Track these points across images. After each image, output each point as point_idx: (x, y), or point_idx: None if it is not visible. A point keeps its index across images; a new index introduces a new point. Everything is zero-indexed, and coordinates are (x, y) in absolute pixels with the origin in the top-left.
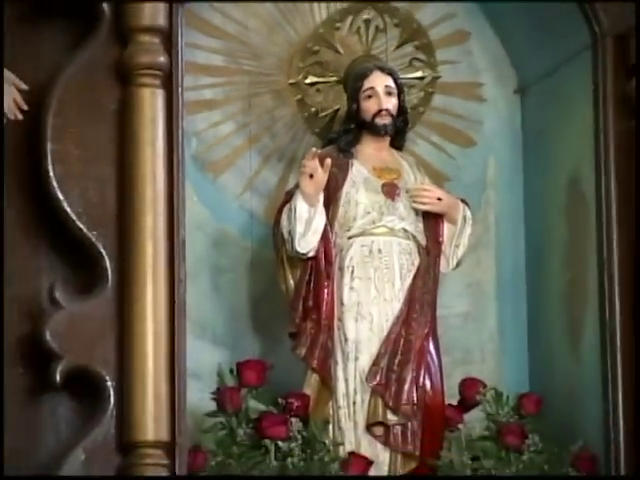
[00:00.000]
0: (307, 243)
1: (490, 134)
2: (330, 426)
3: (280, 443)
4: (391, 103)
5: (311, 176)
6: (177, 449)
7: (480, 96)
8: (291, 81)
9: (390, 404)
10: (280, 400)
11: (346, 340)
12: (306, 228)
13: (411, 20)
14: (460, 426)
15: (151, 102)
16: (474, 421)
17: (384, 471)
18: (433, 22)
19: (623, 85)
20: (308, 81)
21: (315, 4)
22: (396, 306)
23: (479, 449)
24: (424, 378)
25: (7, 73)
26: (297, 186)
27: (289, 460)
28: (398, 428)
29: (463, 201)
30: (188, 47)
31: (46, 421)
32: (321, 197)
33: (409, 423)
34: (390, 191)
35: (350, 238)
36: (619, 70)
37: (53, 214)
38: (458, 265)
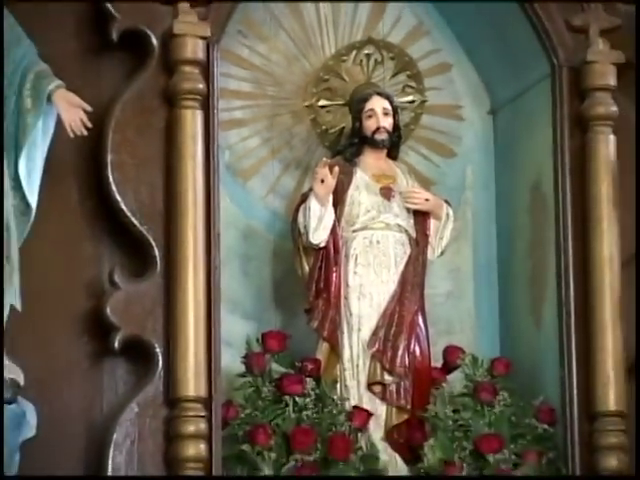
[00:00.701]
0: (319, 236)
1: (468, 147)
2: (337, 385)
3: (297, 398)
4: (387, 122)
5: (322, 181)
6: (213, 403)
7: (460, 116)
8: (306, 104)
9: (386, 367)
10: (297, 363)
11: (351, 315)
12: (318, 224)
13: (404, 54)
14: (444, 385)
15: (192, 121)
16: (455, 381)
17: (382, 421)
18: (421, 55)
19: (576, 107)
20: (320, 104)
21: (326, 42)
22: (391, 287)
23: (459, 403)
24: (414, 346)
25: (75, 97)
26: (311, 189)
27: (304, 412)
28: (393, 386)
29: (446, 201)
30: (222, 76)
31: (107, 381)
32: (330, 198)
33: (402, 382)
34: (387, 193)
35: (354, 232)
36: (573, 95)
37: (112, 212)
38: (442, 253)
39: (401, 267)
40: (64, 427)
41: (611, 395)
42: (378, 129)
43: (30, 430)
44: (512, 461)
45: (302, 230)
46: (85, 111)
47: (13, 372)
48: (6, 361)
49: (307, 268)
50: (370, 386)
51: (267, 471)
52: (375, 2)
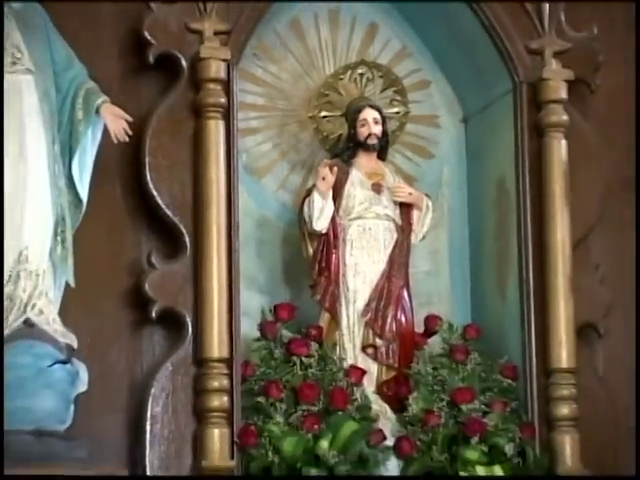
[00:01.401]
0: (321, 224)
1: (444, 150)
2: (337, 347)
3: (303, 359)
4: (377, 129)
5: (323, 178)
6: (234, 363)
7: (437, 124)
8: (310, 115)
9: (377, 332)
10: (303, 330)
11: (347, 289)
12: (320, 214)
13: (390, 73)
14: (425, 347)
15: (215, 130)
16: (434, 344)
17: (374, 377)
18: (405, 74)
19: (534, 117)
20: (321, 115)
21: (326, 63)
22: (381, 266)
23: (437, 362)
24: (400, 315)
25: (118, 110)
26: (314, 185)
27: (309, 370)
28: (383, 348)
29: (426, 195)
30: (240, 92)
31: (145, 345)
32: (330, 193)
33: (390, 345)
34: (377, 188)
35: (350, 220)
36: (531, 107)
37: (149, 206)
38: (423, 238)
39: (389, 250)
40: (110, 383)
41: (563, 354)
42: (370, 135)
43: (82, 386)
44: (482, 410)
45: (307, 219)
46: (127, 121)
47: (68, 338)
48: (62, 328)
49: (311, 251)
50: (364, 348)
51: (279, 419)
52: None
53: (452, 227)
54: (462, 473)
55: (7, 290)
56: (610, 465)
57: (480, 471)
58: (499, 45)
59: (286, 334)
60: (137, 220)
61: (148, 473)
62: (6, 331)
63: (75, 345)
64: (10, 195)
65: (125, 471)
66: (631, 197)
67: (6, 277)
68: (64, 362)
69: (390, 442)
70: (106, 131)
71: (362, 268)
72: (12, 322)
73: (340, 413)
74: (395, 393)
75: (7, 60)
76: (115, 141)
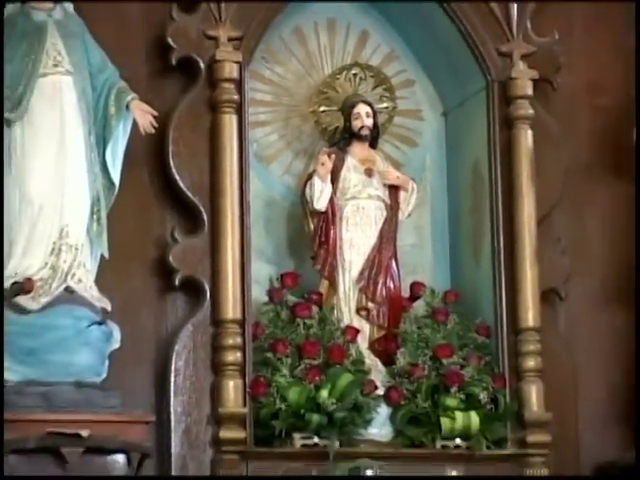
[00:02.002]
0: (321, 204)
1: (427, 140)
2: (334, 310)
3: (306, 320)
4: (369, 122)
5: (323, 164)
6: (246, 324)
7: (421, 117)
8: (311, 109)
9: (370, 297)
10: (305, 295)
11: (344, 260)
12: (320, 195)
13: (380, 73)
14: (410, 310)
15: (229, 123)
16: (418, 307)
17: (366, 336)
18: (393, 74)
19: (504, 111)
20: (321, 109)
21: (325, 65)
22: (373, 240)
23: (421, 323)
24: (389, 282)
25: (146, 105)
26: (314, 170)
27: (311, 330)
28: (374, 311)
29: (412, 178)
30: (250, 90)
31: (170, 308)
32: (329, 177)
33: (381, 308)
34: (369, 172)
35: (346, 200)
36: (502, 102)
37: (173, 188)
38: (409, 215)
39: (379, 226)
40: (140, 341)
41: (530, 315)
42: (362, 127)
43: (116, 343)
44: (460, 363)
45: (308, 199)
46: (153, 116)
47: (103, 302)
48: (98, 294)
49: (312, 227)
50: (358, 311)
51: (285, 371)
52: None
53: (434, 206)
54: (443, 418)
55: (50, 261)
56: (569, 409)
57: (458, 416)
58: (473, 49)
59: (291, 299)
60: (162, 201)
61: (172, 419)
62: (49, 297)
63: (109, 308)
64: (52, 180)
65: (153, 417)
66: (587, 180)
67: (49, 250)
68: (100, 323)
69: (381, 391)
70: (135, 124)
71: (356, 242)
72: (54, 289)
73: (338, 366)
74: (385, 349)
75: (49, 63)
76: (143, 133)
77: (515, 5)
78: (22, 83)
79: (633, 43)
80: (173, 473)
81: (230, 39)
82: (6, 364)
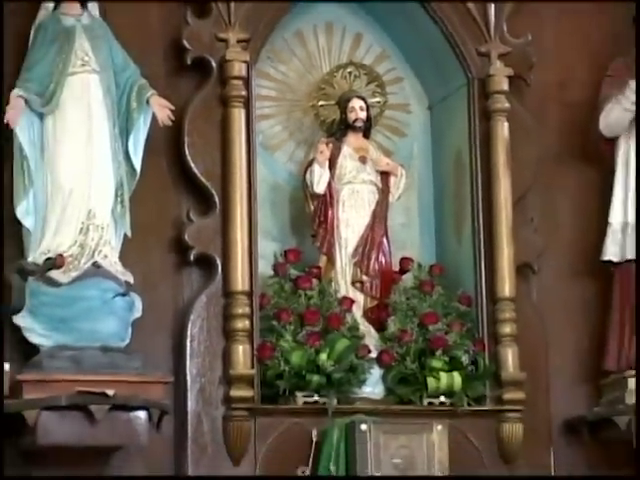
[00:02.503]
0: (320, 187)
1: (414, 131)
2: (332, 283)
3: (307, 292)
4: (363, 115)
5: (321, 153)
6: (253, 295)
7: (409, 110)
8: (311, 104)
9: (364, 271)
10: (306, 269)
11: (340, 238)
12: (319, 180)
13: (373, 71)
14: (400, 282)
15: (238, 116)
16: (407, 279)
17: (361, 305)
18: (384, 72)
19: (483, 104)
20: (320, 104)
21: (323, 64)
22: (366, 220)
23: (410, 293)
24: (381, 257)
25: (164, 100)
26: (314, 158)
27: (311, 300)
28: (368, 283)
29: (401, 165)
30: (257, 86)
31: (185, 281)
32: (327, 164)
33: (373, 281)
34: (363, 160)
35: (342, 185)
36: (481, 97)
37: (188, 174)
38: (399, 198)
39: (372, 207)
40: (159, 311)
41: (506, 287)
42: (357, 119)
43: (137, 312)
44: (444, 329)
45: (309, 184)
46: (170, 110)
47: (126, 276)
48: (122, 268)
49: (312, 208)
50: (353, 283)
51: (288, 337)
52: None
53: (420, 190)
54: (429, 379)
55: (79, 240)
56: (541, 370)
57: (443, 376)
58: (455, 49)
59: (293, 272)
60: (178, 185)
61: (188, 379)
62: (78, 272)
63: (132, 281)
64: (81, 167)
65: (171, 378)
66: (557, 166)
67: (78, 230)
68: (123, 294)
69: (374, 354)
70: (154, 117)
71: (352, 221)
72: (83, 264)
73: (335, 332)
74: (377, 317)
75: (78, 62)
76: (161, 125)
77: (493, 10)
78: (53, 81)
79: (598, 45)
80: (189, 428)
81: (239, 41)
82: (40, 331)
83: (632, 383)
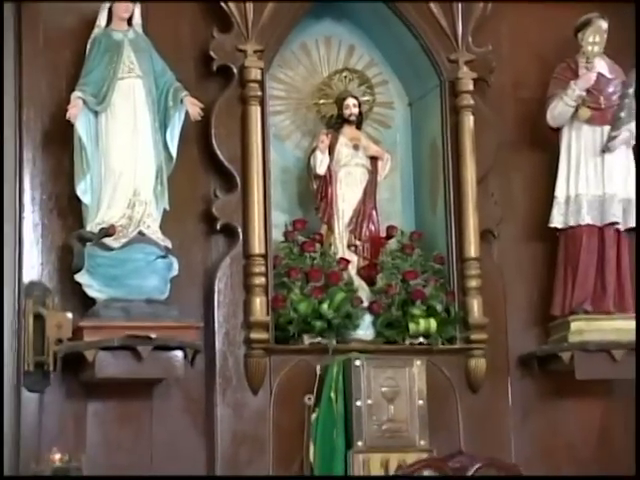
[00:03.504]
0: (321, 170)
1: (397, 123)
2: (332, 246)
3: (311, 254)
4: (356, 110)
5: (322, 142)
6: (268, 257)
7: (393, 107)
8: (314, 102)
9: (357, 237)
10: (311, 236)
11: (338, 210)
12: (320, 163)
13: (364, 75)
14: (386, 246)
15: (255, 112)
16: (392, 243)
17: (355, 265)
18: (372, 76)
19: (453, 102)
20: (321, 102)
21: (323, 69)
22: (359, 196)
23: (394, 255)
24: (371, 226)
25: (195, 100)
26: (317, 146)
27: (315, 261)
28: (361, 247)
29: (387, 151)
30: (270, 88)
31: (213, 246)
32: (327, 150)
33: (365, 244)
34: (356, 147)
35: (339, 167)
36: (451, 96)
37: (215, 159)
38: (385, 178)
39: (364, 185)
40: (192, 270)
41: (472, 248)
42: (351, 114)
43: (175, 271)
44: (422, 284)
45: (312, 166)
46: (200, 107)
47: (165, 242)
48: (162, 236)
49: (315, 186)
50: (349, 247)
51: (297, 291)
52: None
53: (402, 171)
54: (410, 323)
55: (127, 213)
56: (500, 316)
57: (421, 322)
58: (431, 58)
59: (300, 238)
60: (207, 168)
61: (216, 325)
62: (126, 239)
63: (170, 246)
64: (128, 154)
65: (202, 323)
66: (513, 151)
67: (126, 205)
68: (163, 257)
69: (365, 304)
70: (187, 113)
71: (347, 197)
72: (130, 233)
73: (334, 287)
74: (368, 274)
75: (125, 69)
76: (193, 119)
77: (460, 26)
78: (106, 85)
79: (546, 52)
80: (217, 364)
81: (255, 51)
82: (96, 287)
83: (573, 325)
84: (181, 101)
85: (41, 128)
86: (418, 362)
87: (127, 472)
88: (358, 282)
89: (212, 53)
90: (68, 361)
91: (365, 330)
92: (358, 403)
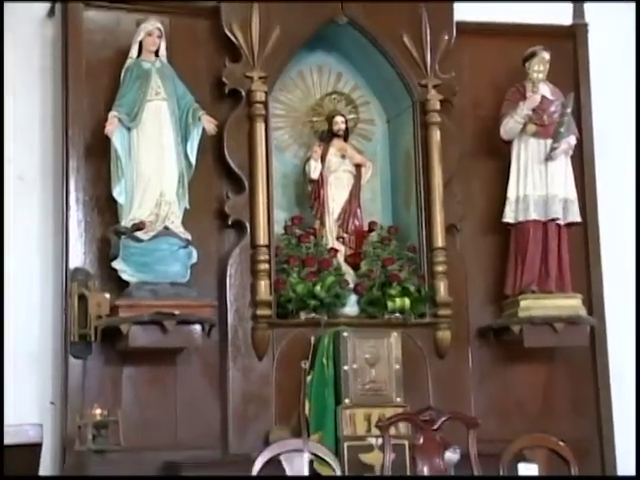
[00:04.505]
0: (315, 175)
1: (377, 137)
2: (323, 238)
3: (306, 244)
4: (343, 126)
5: (315, 152)
6: (271, 247)
7: (374, 123)
8: (308, 119)
9: (345, 230)
10: (306, 229)
11: (328, 208)
12: (314, 170)
13: (349, 97)
14: (369, 238)
15: (259, 128)
16: (373, 236)
17: (342, 254)
18: (356, 98)
19: (423, 119)
20: (314, 119)
21: (317, 92)
22: (345, 196)
23: (376, 245)
24: (355, 221)
25: (210, 117)
26: (311, 155)
27: (309, 250)
28: (347, 239)
29: (369, 160)
30: (272, 108)
31: (225, 238)
32: (319, 159)
33: (350, 237)
34: (343, 156)
35: (329, 173)
36: (422, 114)
37: (227, 166)
38: (367, 181)
39: (350, 188)
40: (208, 258)
41: (439, 239)
42: (339, 129)
43: (194, 259)
44: (398, 269)
45: (307, 172)
46: (215, 124)
47: (186, 235)
48: (183, 230)
49: (309, 189)
50: (337, 238)
51: (295, 275)
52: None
53: (382, 176)
54: (388, 302)
55: (154, 211)
56: (462, 295)
57: (397, 300)
58: (405, 83)
59: (297, 232)
60: (220, 174)
61: (228, 304)
62: (154, 232)
63: (190, 238)
64: (155, 163)
65: (216, 302)
66: (472, 160)
67: (154, 204)
68: (184, 247)
69: (351, 286)
70: (204, 129)
71: (336, 197)
72: (157, 227)
73: (326, 272)
74: (353, 261)
75: (153, 93)
76: (209, 134)
77: (429, 57)
78: (137, 106)
79: (500, 78)
80: (229, 336)
81: (259, 78)
82: (129, 272)
83: (522, 303)
84: (199, 119)
85: (83, 142)
86: (395, 334)
87: (155, 425)
88: (345, 268)
89: (224, 79)
90: (106, 333)
91: (351, 307)
92: (345, 367)
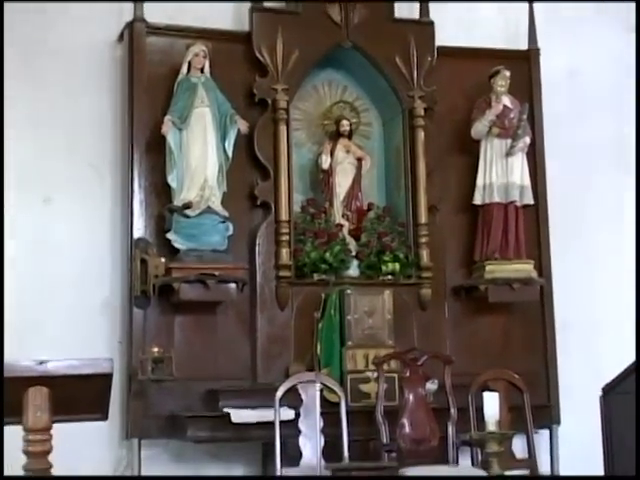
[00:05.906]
0: (325, 166)
1: (375, 136)
2: (332, 215)
3: (319, 220)
4: (348, 128)
5: (326, 148)
6: (291, 221)
7: (372, 125)
8: (321, 122)
9: (349, 209)
10: (319, 209)
11: (336, 192)
12: (325, 162)
13: (353, 105)
14: (368, 215)
15: (282, 129)
16: (371, 214)
17: (347, 229)
18: (358, 106)
19: (411, 123)
20: (325, 122)
21: (327, 101)
22: (349, 183)
23: (372, 221)
24: (357, 202)
25: (243, 121)
26: (322, 150)
27: (321, 225)
28: (351, 216)
29: (368, 154)
30: (293, 113)
31: (255, 216)
32: (329, 154)
33: (353, 214)
34: (348, 151)
35: (337, 164)
36: (410, 119)
37: (257, 159)
38: (366, 171)
39: (353, 176)
40: (241, 231)
41: (423, 216)
42: (344, 130)
43: (230, 231)
44: (390, 240)
45: (319, 164)
46: (247, 125)
47: (224, 212)
48: (221, 208)
49: (322, 176)
50: (343, 216)
51: (309, 243)
52: None
53: (378, 167)
54: (383, 266)
55: (199, 193)
56: (441, 261)
57: (390, 265)
58: (397, 94)
59: (312, 210)
60: (251, 165)
61: (257, 267)
62: (199, 210)
63: (227, 215)
64: (201, 156)
65: (247, 265)
66: (448, 155)
67: (199, 188)
68: (223, 222)
69: (354, 253)
70: (239, 130)
71: (342, 184)
72: (202, 206)
73: (334, 242)
74: (356, 234)
75: (199, 102)
76: (242, 133)
77: (415, 74)
78: (186, 112)
79: (471, 90)
80: (257, 292)
81: (283, 89)
82: (180, 241)
83: (488, 267)
84: (235, 121)
85: (145, 140)
86: (387, 291)
87: (200, 360)
88: (349, 239)
89: (255, 91)
90: (162, 289)
91: (353, 270)
92: (348, 317)
